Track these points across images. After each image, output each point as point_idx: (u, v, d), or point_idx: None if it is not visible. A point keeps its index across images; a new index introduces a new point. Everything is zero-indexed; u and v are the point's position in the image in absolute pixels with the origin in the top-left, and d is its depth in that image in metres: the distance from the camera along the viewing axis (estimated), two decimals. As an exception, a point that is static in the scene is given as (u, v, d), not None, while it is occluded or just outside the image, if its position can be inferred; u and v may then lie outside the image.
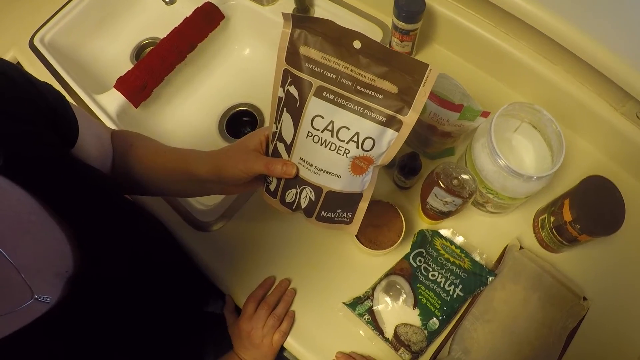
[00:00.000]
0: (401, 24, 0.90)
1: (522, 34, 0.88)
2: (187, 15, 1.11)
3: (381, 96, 0.54)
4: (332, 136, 0.56)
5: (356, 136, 0.56)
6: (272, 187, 0.64)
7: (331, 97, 0.55)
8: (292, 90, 0.57)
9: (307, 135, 0.57)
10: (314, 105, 0.55)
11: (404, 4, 0.87)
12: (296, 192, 0.62)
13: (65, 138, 0.55)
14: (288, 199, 0.63)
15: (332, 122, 0.56)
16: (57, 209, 0.46)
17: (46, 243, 0.45)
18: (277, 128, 0.60)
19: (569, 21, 0.76)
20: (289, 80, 0.57)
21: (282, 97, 0.59)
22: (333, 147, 0.57)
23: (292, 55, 0.55)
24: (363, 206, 0.63)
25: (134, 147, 0.70)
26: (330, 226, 0.65)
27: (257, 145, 0.63)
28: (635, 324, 0.78)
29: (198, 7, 1.12)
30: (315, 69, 0.54)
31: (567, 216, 0.72)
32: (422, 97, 0.53)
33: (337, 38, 0.53)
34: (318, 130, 0.56)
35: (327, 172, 0.59)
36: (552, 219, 0.77)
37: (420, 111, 0.54)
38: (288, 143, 0.59)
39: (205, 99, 1.20)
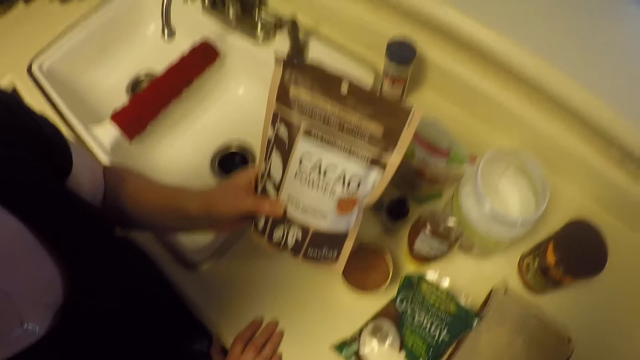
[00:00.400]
0: (392, 69, 0.92)
1: (510, 80, 0.90)
2: (184, 52, 1.13)
3: (367, 137, 0.56)
4: (319, 176, 0.58)
5: (342, 176, 0.57)
6: (261, 225, 0.65)
7: (319, 137, 0.57)
8: (282, 129, 0.58)
9: (295, 174, 0.59)
10: (303, 145, 0.57)
11: (396, 49, 0.90)
12: (284, 231, 0.63)
13: (59, 169, 0.55)
14: (276, 238, 0.65)
15: (319, 162, 0.57)
16: (49, 239, 0.46)
17: (37, 273, 0.46)
18: (266, 166, 0.62)
19: (555, 69, 0.78)
20: (279, 119, 0.58)
21: (271, 137, 0.60)
22: (320, 187, 0.58)
23: (283, 96, 0.57)
24: (348, 245, 0.64)
25: (126, 181, 0.71)
26: (317, 264, 0.66)
27: (246, 184, 0.64)
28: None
29: (195, 44, 1.14)
30: (304, 109, 0.56)
31: (551, 259, 0.74)
32: (406, 138, 0.55)
33: (326, 80, 0.55)
34: (306, 170, 0.58)
35: (314, 211, 0.60)
36: (537, 261, 0.78)
37: (404, 152, 0.55)
38: (277, 182, 0.61)
39: (199, 136, 1.21)
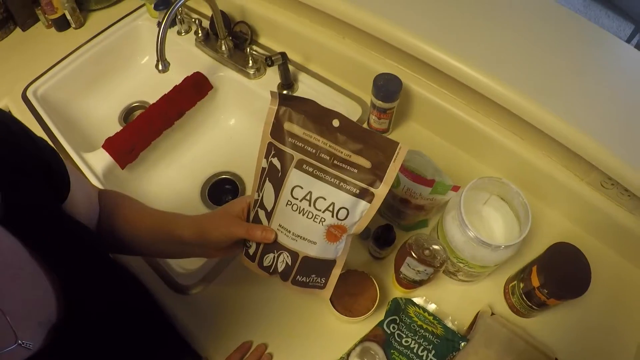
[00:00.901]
0: (379, 103, 0.95)
1: (492, 111, 0.94)
2: (176, 82, 1.16)
3: (356, 170, 0.58)
4: (309, 205, 0.60)
5: (332, 206, 0.60)
6: (252, 251, 0.67)
7: (310, 169, 0.59)
8: (275, 161, 0.61)
9: (287, 203, 0.61)
10: (295, 177, 0.60)
11: (382, 84, 0.93)
12: (274, 257, 0.65)
13: (57, 192, 0.56)
14: (266, 263, 0.66)
15: (310, 192, 0.60)
16: (46, 259, 0.47)
17: (33, 292, 0.46)
18: (259, 196, 0.64)
19: (535, 100, 0.82)
20: (273, 152, 0.61)
21: (265, 168, 0.63)
22: (310, 215, 0.60)
23: (277, 130, 0.60)
24: (336, 272, 0.66)
25: (121, 207, 0.72)
26: (305, 290, 0.67)
27: (239, 212, 0.66)
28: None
29: (188, 76, 1.17)
30: (297, 143, 0.59)
31: (535, 282, 0.75)
32: (392, 171, 0.58)
33: (318, 116, 0.58)
34: (297, 199, 0.60)
35: (303, 238, 0.62)
36: (522, 285, 0.79)
37: (390, 184, 0.58)
38: (268, 210, 0.63)
39: (190, 165, 1.23)
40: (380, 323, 0.81)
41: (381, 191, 0.59)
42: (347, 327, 0.82)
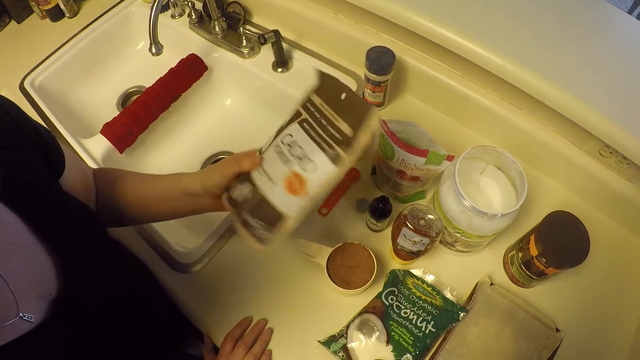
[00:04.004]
0: (372, 76, 0.95)
1: (488, 81, 0.93)
2: (172, 66, 1.16)
3: (338, 135, 0.61)
4: (287, 149, 0.63)
5: (304, 155, 0.62)
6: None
7: (307, 127, 0.63)
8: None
9: (274, 147, 0.64)
10: (292, 128, 0.63)
11: (375, 57, 0.93)
12: (240, 188, 0.67)
13: (54, 170, 0.57)
14: (233, 194, 0.68)
15: (295, 140, 0.63)
16: (44, 234, 0.48)
17: (32, 265, 0.47)
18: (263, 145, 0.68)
19: (531, 69, 0.81)
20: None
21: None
22: (283, 156, 0.63)
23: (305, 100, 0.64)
24: (279, 230, 0.64)
25: (123, 177, 0.75)
26: (245, 236, 0.67)
27: (238, 156, 0.69)
28: (607, 351, 0.80)
29: (183, 58, 1.17)
30: (310, 108, 0.63)
31: (534, 251, 0.75)
32: (359, 141, 0.59)
33: (336, 92, 0.61)
34: (282, 144, 0.64)
35: (267, 175, 0.64)
36: (520, 254, 0.79)
37: (356, 155, 0.60)
38: (261, 152, 0.67)
39: (188, 147, 1.24)
40: (379, 295, 0.81)
41: (348, 160, 0.61)
42: (345, 300, 0.83)
